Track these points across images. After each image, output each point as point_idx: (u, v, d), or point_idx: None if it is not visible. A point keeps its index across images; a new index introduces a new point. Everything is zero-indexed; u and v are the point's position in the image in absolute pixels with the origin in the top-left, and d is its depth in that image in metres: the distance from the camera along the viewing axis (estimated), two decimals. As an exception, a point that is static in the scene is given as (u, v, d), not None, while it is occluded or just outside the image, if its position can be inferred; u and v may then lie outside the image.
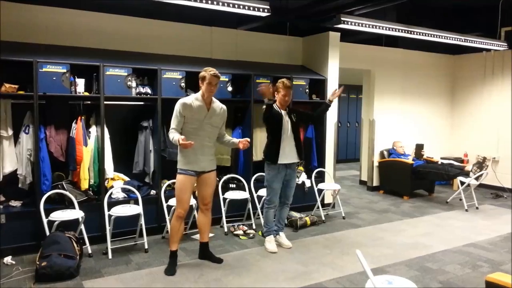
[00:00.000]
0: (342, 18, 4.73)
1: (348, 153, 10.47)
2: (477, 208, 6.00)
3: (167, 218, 4.30)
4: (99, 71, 4.12)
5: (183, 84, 4.57)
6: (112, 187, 4.35)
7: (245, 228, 4.63)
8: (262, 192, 4.77)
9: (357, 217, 5.47)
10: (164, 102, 4.42)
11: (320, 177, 5.68)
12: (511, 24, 6.44)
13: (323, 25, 5.38)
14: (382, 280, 2.34)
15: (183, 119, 3.47)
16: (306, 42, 6.17)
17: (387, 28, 5.15)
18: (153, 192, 4.57)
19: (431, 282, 3.48)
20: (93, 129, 4.28)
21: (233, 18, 5.17)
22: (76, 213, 3.86)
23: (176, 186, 3.61)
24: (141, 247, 4.09)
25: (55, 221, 3.71)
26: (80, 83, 4.11)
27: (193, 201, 4.27)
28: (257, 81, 5.07)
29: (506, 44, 6.36)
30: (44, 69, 3.83)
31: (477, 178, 6.05)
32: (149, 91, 4.48)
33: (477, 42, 6.04)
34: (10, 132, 3.93)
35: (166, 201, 4.37)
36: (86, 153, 4.14)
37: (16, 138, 3.99)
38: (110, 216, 3.92)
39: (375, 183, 7.15)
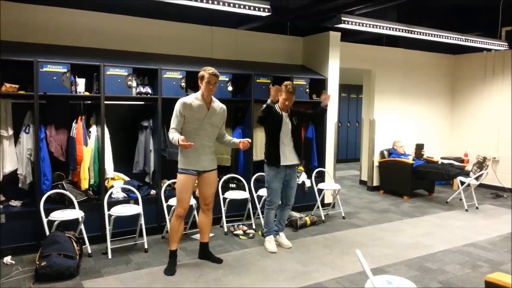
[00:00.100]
0: (342, 18, 4.73)
1: (348, 153, 10.47)
2: (477, 208, 6.00)
3: (167, 218, 4.30)
4: (99, 71, 4.12)
5: (183, 84, 4.58)
6: (112, 187, 4.35)
7: (245, 228, 4.64)
8: (262, 192, 4.77)
9: (357, 217, 5.47)
10: (164, 102, 4.42)
11: (320, 177, 5.68)
12: (511, 23, 6.44)
13: (323, 25, 5.38)
14: (382, 280, 2.34)
15: (183, 119, 3.47)
16: (307, 42, 6.17)
17: (388, 28, 5.15)
18: (153, 192, 4.57)
19: (431, 282, 3.48)
20: (93, 129, 4.28)
21: (233, 18, 5.17)
22: (76, 213, 3.86)
23: (176, 186, 3.61)
24: (141, 247, 4.10)
25: (55, 221, 3.71)
26: (81, 83, 4.11)
27: (193, 201, 4.27)
28: (257, 81, 5.08)
29: (506, 43, 6.35)
30: (44, 69, 3.83)
31: (477, 178, 6.05)
32: (149, 91, 4.49)
33: (478, 42, 6.03)
34: (11, 131, 3.94)
35: (166, 201, 4.37)
36: (86, 153, 4.14)
37: (16, 138, 4.00)
38: (110, 216, 3.92)
39: (375, 183, 7.15)
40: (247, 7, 4.14)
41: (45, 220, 3.72)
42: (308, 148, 5.73)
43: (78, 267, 3.51)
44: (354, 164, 9.81)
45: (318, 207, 5.34)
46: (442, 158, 7.32)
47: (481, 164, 5.99)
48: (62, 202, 4.05)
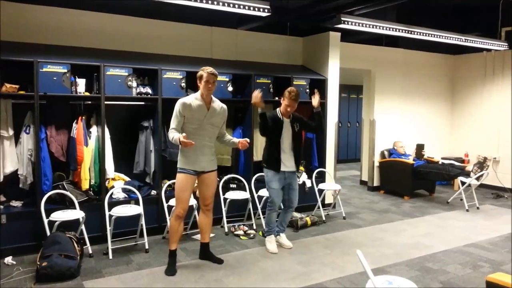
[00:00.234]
0: (342, 18, 4.73)
1: (349, 153, 10.47)
2: (477, 208, 6.00)
3: (168, 218, 4.29)
4: (99, 71, 4.12)
5: (183, 84, 4.58)
6: (112, 187, 4.35)
7: (246, 228, 4.63)
8: (263, 192, 4.77)
9: (358, 217, 5.47)
10: (164, 102, 4.42)
11: (321, 177, 5.67)
12: (511, 24, 6.44)
13: (323, 25, 5.38)
14: (382, 280, 2.34)
15: (183, 119, 3.46)
16: (306, 42, 6.17)
17: (388, 28, 5.15)
18: (153, 192, 4.57)
19: (431, 282, 3.47)
20: (94, 129, 4.28)
21: (233, 18, 5.17)
22: (77, 213, 3.86)
23: (175, 185, 3.61)
24: (141, 247, 4.09)
25: (56, 221, 3.71)
26: (81, 83, 4.11)
27: (194, 201, 4.28)
28: (257, 81, 5.08)
29: (506, 44, 6.35)
30: (44, 69, 3.83)
31: (477, 178, 6.05)
32: (149, 91, 4.49)
33: (478, 42, 6.04)
34: (11, 132, 3.93)
35: (167, 201, 4.37)
36: (87, 153, 4.14)
37: (16, 138, 3.99)
38: (110, 216, 3.92)
39: (376, 183, 7.15)
40: (247, 7, 4.14)
41: (45, 221, 3.72)
42: (309, 148, 5.73)
43: (79, 268, 3.51)
44: (354, 164, 9.81)
45: (318, 208, 5.33)
46: (442, 158, 7.32)
47: (481, 164, 5.99)
48: (63, 203, 4.05)
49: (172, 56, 5.04)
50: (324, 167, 5.73)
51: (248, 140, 3.68)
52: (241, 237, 4.52)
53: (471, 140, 7.75)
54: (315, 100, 4.12)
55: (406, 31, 5.31)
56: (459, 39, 5.84)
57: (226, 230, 4.66)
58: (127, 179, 4.63)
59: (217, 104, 3.64)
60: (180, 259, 3.83)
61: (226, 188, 4.94)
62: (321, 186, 5.43)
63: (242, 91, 5.17)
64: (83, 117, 4.19)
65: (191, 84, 4.60)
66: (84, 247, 3.79)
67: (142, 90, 4.45)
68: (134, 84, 4.38)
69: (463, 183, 6.08)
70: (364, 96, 7.40)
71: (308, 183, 5.54)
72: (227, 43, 5.56)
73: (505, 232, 4.89)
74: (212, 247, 4.01)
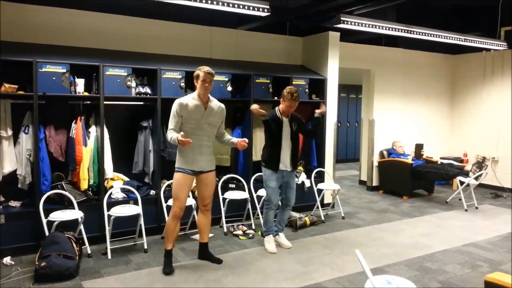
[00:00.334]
0: (342, 18, 4.73)
1: (348, 153, 10.47)
2: (476, 208, 6.00)
3: (167, 218, 4.29)
4: (98, 71, 4.11)
5: (182, 84, 4.57)
6: (111, 187, 4.34)
7: (245, 228, 4.63)
8: (262, 192, 4.77)
9: (357, 217, 5.47)
10: (163, 102, 4.41)
11: (320, 177, 5.68)
12: (511, 23, 6.45)
13: (323, 25, 5.38)
14: (381, 280, 2.34)
15: (181, 119, 3.46)
16: (306, 42, 6.17)
17: (387, 28, 5.15)
18: (152, 192, 4.57)
19: (430, 282, 3.48)
20: (93, 129, 4.27)
21: (233, 18, 5.17)
22: (76, 213, 3.85)
23: (173, 185, 3.60)
24: (140, 247, 4.09)
25: (55, 221, 3.71)
26: (80, 83, 4.11)
27: (193, 201, 4.28)
28: (257, 81, 5.08)
29: (506, 43, 6.36)
30: (43, 69, 3.83)
31: (476, 178, 6.05)
32: (148, 91, 4.48)
33: (477, 42, 6.04)
34: (10, 132, 3.93)
35: (166, 201, 4.37)
36: (86, 153, 4.14)
37: (15, 138, 3.99)
38: (109, 216, 3.92)
39: (375, 183, 7.15)
40: (246, 7, 4.14)
41: (44, 221, 3.72)
42: (308, 148, 5.73)
43: (78, 268, 3.51)
44: (353, 164, 9.81)
45: (317, 207, 5.34)
46: (441, 158, 7.33)
47: (480, 164, 6.00)
48: (62, 203, 4.05)
49: (171, 56, 5.04)
50: (323, 167, 5.74)
51: (246, 140, 3.67)
52: (240, 237, 4.52)
53: (470, 140, 7.75)
54: (320, 110, 4.30)
55: (406, 31, 5.31)
56: (458, 39, 5.85)
57: (225, 230, 4.66)
58: (126, 179, 4.63)
59: (215, 103, 3.64)
60: (179, 259, 3.83)
61: (225, 188, 4.94)
62: (320, 186, 5.44)
63: (241, 91, 5.17)
64: (82, 117, 4.19)
65: (191, 84, 4.58)
66: (83, 247, 3.79)
67: (141, 90, 4.44)
68: (133, 84, 4.38)
69: (462, 183, 6.09)
70: (364, 96, 7.40)
71: (307, 183, 5.54)
72: (227, 43, 5.56)
73: (503, 231, 4.90)
74: (211, 247, 4.01)
